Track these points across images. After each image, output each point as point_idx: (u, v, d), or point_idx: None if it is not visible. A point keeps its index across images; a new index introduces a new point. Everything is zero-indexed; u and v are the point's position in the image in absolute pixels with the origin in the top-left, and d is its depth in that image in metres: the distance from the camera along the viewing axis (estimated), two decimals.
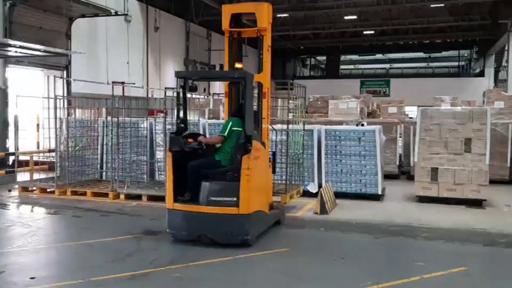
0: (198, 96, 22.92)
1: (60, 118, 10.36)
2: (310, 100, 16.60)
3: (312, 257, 5.90)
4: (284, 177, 8.64)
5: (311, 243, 6.61)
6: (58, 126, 10.12)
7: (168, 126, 9.63)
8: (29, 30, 14.27)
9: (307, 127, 9.54)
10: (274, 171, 7.30)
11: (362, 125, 9.98)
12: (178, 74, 6.71)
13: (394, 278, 5.10)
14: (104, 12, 15.35)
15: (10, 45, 11.65)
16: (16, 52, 12.71)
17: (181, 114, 6.58)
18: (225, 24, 7.18)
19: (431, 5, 22.95)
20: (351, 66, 43.74)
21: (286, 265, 5.63)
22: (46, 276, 5.14)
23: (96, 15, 15.64)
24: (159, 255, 5.87)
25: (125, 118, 9.97)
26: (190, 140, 6.44)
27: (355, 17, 26.11)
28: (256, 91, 6.93)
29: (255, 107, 6.81)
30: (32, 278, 5.03)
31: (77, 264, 5.58)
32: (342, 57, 39.50)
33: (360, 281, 4.96)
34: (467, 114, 9.07)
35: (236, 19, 7.28)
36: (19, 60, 14.20)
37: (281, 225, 7.22)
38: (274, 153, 7.42)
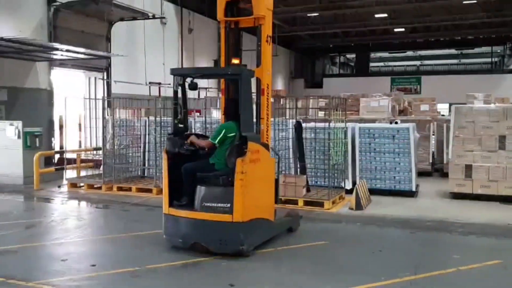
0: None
1: (105, 118, 10.92)
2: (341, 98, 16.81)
3: (350, 250, 6.22)
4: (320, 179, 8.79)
5: (348, 237, 6.92)
6: (103, 125, 10.68)
7: (207, 125, 10.08)
8: (72, 34, 14.96)
9: (340, 125, 9.77)
10: (276, 201, 6.51)
11: (396, 123, 10.18)
12: (173, 72, 6.20)
13: (431, 269, 5.37)
14: (142, 15, 15.92)
15: (57, 49, 12.29)
16: (62, 55, 13.39)
17: (180, 114, 6.18)
18: (220, 13, 6.44)
19: (464, 2, 22.72)
20: (381, 64, 43.48)
21: (325, 256, 5.95)
22: (105, 263, 5.60)
23: (135, 18, 16.23)
24: None
25: (167, 118, 10.43)
26: (192, 137, 6.10)
27: (385, 15, 26.08)
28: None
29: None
30: (92, 265, 5.52)
31: (131, 253, 6.03)
32: (372, 55, 39.36)
33: (398, 272, 5.24)
34: (502, 112, 9.18)
35: (232, 7, 6.51)
36: (63, 63, 14.93)
37: (294, 232, 6.88)
38: (277, 181, 6.55)
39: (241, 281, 5.05)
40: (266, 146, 6.23)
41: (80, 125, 15.30)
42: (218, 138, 5.94)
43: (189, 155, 6.07)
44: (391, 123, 10.45)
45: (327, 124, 9.17)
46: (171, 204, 5.96)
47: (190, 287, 5.02)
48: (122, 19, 16.46)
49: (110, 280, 5.10)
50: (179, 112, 6.24)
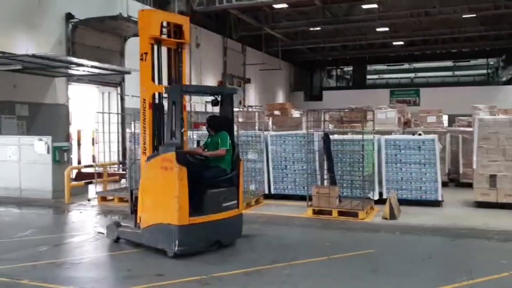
0: (236, 109, 23.68)
1: (131, 132, 11.07)
2: (346, 110, 17.15)
3: (399, 257, 6.44)
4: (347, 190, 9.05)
5: (393, 245, 7.15)
6: (123, 139, 10.81)
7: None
8: (88, 50, 15.18)
9: (369, 137, 10.04)
10: None
11: (420, 134, 10.49)
12: (168, 89, 6.70)
13: (484, 274, 5.61)
14: None
15: (82, 65, 12.47)
16: (83, 70, 13.57)
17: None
18: (156, 30, 6.75)
19: (463, 16, 23.36)
20: (376, 76, 44.17)
21: (378, 264, 6.16)
22: (173, 273, 5.73)
23: None
24: (259, 255, 6.46)
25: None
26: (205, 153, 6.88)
27: (386, 29, 26.69)
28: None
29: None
30: (159, 275, 5.67)
31: (191, 263, 6.17)
32: (367, 67, 40.02)
33: (454, 277, 5.48)
34: None
35: (161, 28, 6.97)
36: (80, 78, 15.11)
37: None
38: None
39: (308, 287, 5.25)
40: None
41: (93, 139, 15.44)
42: (228, 144, 6.88)
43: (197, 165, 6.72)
44: (413, 134, 10.76)
45: (355, 136, 9.47)
46: (190, 214, 6.24)
47: None
48: (135, 35, 16.66)
49: None
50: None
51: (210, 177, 6.67)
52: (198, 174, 6.51)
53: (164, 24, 7.04)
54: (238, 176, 6.88)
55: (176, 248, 6.20)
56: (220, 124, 7.07)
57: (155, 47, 6.85)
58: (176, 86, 6.86)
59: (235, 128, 8.26)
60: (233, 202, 6.74)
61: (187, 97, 7.65)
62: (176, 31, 7.09)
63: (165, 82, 7.15)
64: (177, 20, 7.18)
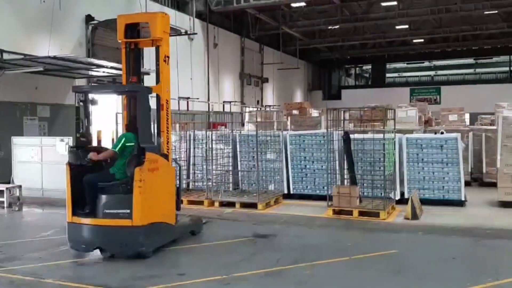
0: (252, 108, 23.75)
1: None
2: (366, 109, 16.98)
3: (423, 258, 6.33)
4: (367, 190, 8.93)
5: (415, 246, 7.04)
6: None
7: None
8: (107, 51, 15.33)
9: (389, 136, 9.92)
10: (178, 208, 6.99)
11: (442, 133, 10.32)
12: (76, 89, 6.87)
13: (510, 275, 5.47)
14: (175, 32, 16.24)
15: (103, 66, 12.60)
16: (103, 72, 13.71)
17: (82, 128, 6.81)
18: (120, 35, 6.91)
19: (485, 12, 22.96)
20: (395, 74, 43.72)
21: (402, 265, 6.06)
22: (193, 272, 5.75)
23: None
24: (281, 256, 6.41)
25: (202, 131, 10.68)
26: (92, 154, 6.38)
27: (406, 26, 26.38)
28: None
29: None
30: (180, 274, 5.68)
31: (212, 262, 6.18)
32: (387, 65, 39.62)
33: (480, 278, 5.36)
34: None
35: (133, 30, 6.99)
36: (99, 79, 15.26)
37: (196, 235, 7.35)
38: (178, 189, 7.04)
39: None
40: (165, 156, 6.74)
41: (113, 140, 15.59)
42: (119, 147, 6.45)
43: (92, 166, 6.50)
44: (435, 133, 10.58)
45: (375, 135, 9.34)
46: (74, 213, 6.35)
47: None
48: None
49: None
50: (81, 127, 6.84)
51: (88, 180, 6.33)
52: (84, 175, 6.38)
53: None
54: (130, 184, 6.11)
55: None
56: (130, 124, 6.82)
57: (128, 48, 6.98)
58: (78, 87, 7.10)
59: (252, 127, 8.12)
60: (121, 210, 6.14)
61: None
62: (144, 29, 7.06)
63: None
64: (139, 19, 7.26)
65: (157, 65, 6.88)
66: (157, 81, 6.90)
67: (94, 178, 6.37)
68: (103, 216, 6.20)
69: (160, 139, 6.82)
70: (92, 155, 6.39)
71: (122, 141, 6.50)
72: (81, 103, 6.73)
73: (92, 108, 6.76)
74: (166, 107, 6.87)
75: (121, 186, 6.26)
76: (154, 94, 6.83)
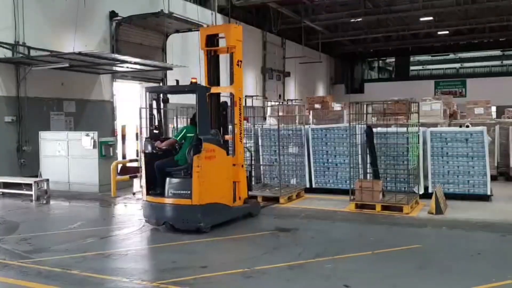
0: (274, 103, 23.72)
1: (173, 127, 11.26)
2: (389, 102, 16.77)
3: (448, 253, 6.24)
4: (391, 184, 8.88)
5: (440, 241, 6.96)
6: (171, 134, 11.00)
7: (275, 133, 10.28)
8: (131, 47, 15.53)
9: (413, 129, 9.80)
10: (250, 188, 8.46)
11: (467, 126, 10.14)
12: (148, 90, 7.95)
13: None
14: (198, 27, 16.31)
15: (127, 62, 12.76)
16: (127, 67, 13.89)
17: (155, 122, 7.80)
18: (202, 44, 8.16)
19: None
20: (419, 67, 43.03)
21: (427, 259, 5.98)
22: (216, 265, 5.80)
23: (190, 30, 16.66)
24: (303, 249, 6.43)
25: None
26: (157, 143, 7.58)
27: (430, 18, 25.89)
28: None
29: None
30: (203, 267, 5.74)
31: (235, 255, 6.26)
32: (411, 58, 38.99)
33: (505, 274, 5.27)
34: None
35: (212, 40, 8.23)
36: (124, 75, 15.47)
37: (253, 217, 8.25)
38: (250, 173, 8.72)
39: (354, 282, 5.16)
40: (223, 146, 7.72)
41: (137, 134, 15.79)
42: (180, 136, 7.61)
43: (162, 153, 7.65)
44: (460, 126, 10.41)
45: (399, 128, 9.23)
46: (148, 193, 7.52)
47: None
48: (177, 31, 16.93)
49: (224, 281, 5.32)
50: (153, 120, 7.82)
51: (158, 166, 7.43)
52: (155, 161, 7.51)
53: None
54: (190, 169, 7.13)
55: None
56: (192, 119, 7.80)
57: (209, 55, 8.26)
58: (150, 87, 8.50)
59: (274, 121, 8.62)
60: (183, 191, 7.14)
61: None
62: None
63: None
64: (216, 31, 8.73)
65: (231, 68, 7.91)
66: (231, 81, 7.95)
67: (163, 164, 7.46)
68: (169, 196, 7.26)
69: (216, 131, 7.77)
70: (157, 144, 7.58)
71: (183, 132, 7.62)
72: (154, 101, 7.81)
73: (162, 105, 7.95)
74: (239, 104, 7.90)
75: (183, 171, 7.32)
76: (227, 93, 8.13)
